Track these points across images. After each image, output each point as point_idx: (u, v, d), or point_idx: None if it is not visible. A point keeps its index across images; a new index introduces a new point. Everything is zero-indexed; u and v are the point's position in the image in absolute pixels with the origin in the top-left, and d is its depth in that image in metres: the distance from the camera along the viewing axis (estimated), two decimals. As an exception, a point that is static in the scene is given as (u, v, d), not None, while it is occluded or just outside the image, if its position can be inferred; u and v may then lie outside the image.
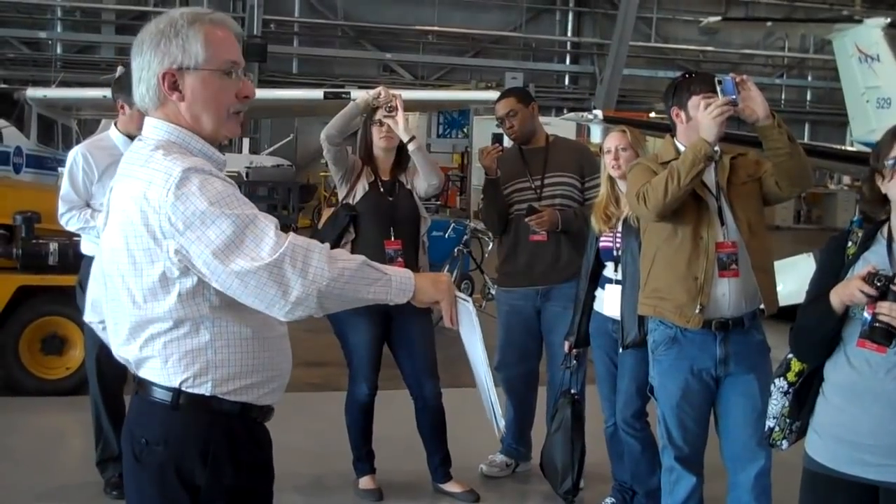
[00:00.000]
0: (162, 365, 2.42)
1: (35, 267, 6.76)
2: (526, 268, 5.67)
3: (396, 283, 2.40)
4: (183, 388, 2.41)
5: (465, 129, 24.72)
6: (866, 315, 2.91)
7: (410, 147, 5.28)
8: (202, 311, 2.38)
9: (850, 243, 3.13)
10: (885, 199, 3.07)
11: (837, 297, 2.96)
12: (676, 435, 4.30)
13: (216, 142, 2.52)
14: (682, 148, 4.27)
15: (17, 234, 6.93)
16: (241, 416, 2.48)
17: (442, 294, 2.48)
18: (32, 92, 14.77)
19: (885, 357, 2.94)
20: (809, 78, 34.73)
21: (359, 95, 5.38)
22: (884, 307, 2.83)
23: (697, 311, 4.15)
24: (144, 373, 2.47)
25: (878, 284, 2.85)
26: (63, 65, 26.34)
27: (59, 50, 28.55)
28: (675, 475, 4.35)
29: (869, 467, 3.00)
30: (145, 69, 2.43)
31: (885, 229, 3.08)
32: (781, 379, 3.30)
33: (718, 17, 27.13)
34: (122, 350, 2.49)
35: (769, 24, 28.85)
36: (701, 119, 4.03)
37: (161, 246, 2.30)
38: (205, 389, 2.41)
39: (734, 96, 3.94)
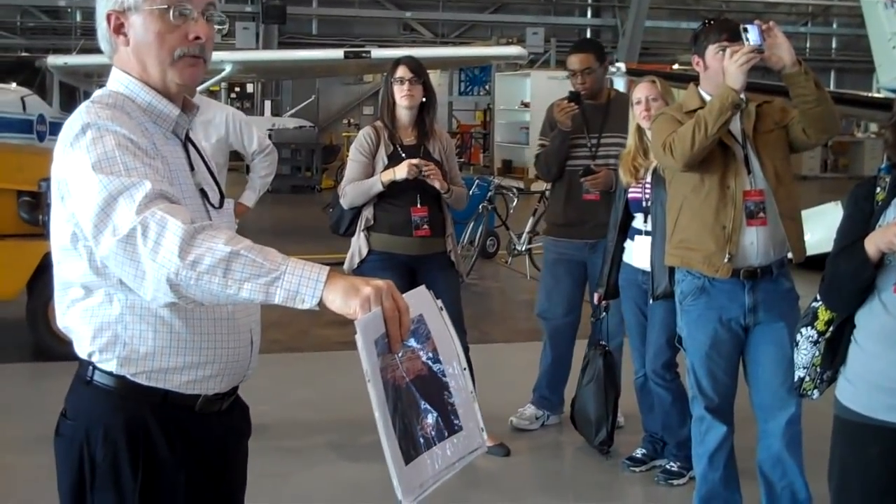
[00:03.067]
0: (77, 335, 2.24)
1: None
2: (577, 221, 5.69)
3: (289, 285, 1.89)
4: (94, 362, 2.22)
5: (486, 86, 24.56)
6: None
7: (444, 196, 5.23)
8: (113, 281, 2.14)
9: (878, 189, 3.08)
10: None
11: (873, 244, 2.91)
12: (706, 385, 4.28)
13: (170, 91, 2.28)
14: (706, 96, 4.23)
15: (43, 201, 6.97)
16: (161, 404, 2.23)
17: (354, 308, 1.87)
18: (53, 59, 14.79)
19: None
20: (834, 25, 34.29)
21: (382, 175, 5.14)
22: None
23: (726, 260, 4.12)
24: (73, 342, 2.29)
25: None
26: (83, 32, 26.30)
27: (78, 17, 28.53)
28: (706, 425, 4.33)
29: None
30: (99, 14, 2.27)
31: None
32: (809, 328, 3.26)
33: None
34: (59, 319, 2.28)
35: (793, -29, 28.50)
36: (727, 66, 3.96)
37: (65, 205, 2.15)
38: (111, 367, 2.20)
39: (760, 44, 3.88)
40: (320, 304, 1.90)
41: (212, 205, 2.33)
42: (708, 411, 4.32)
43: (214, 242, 1.92)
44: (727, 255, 4.12)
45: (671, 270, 4.63)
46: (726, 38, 4.10)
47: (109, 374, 2.21)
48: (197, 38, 2.24)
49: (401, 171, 5.05)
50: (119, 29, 2.25)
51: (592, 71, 5.68)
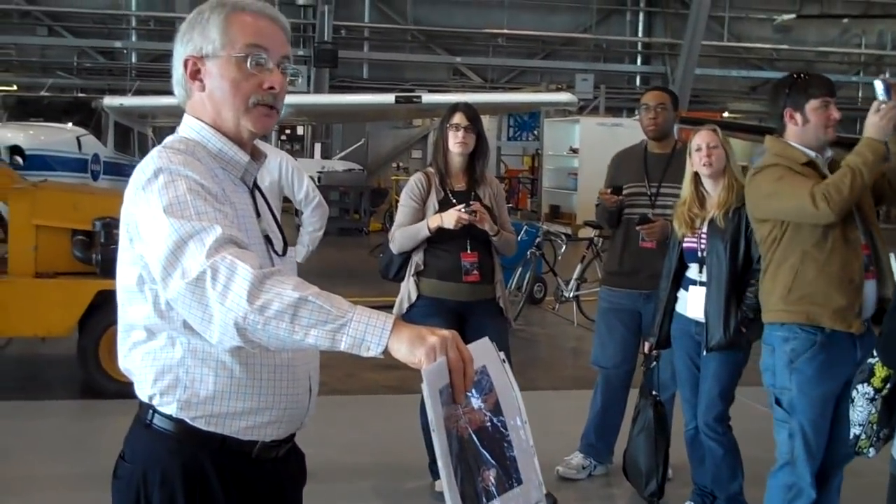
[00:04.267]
0: (139, 377, 2.26)
1: (114, 272, 6.87)
2: (632, 271, 5.69)
3: (355, 332, 1.90)
4: (154, 405, 2.23)
5: (535, 132, 24.64)
6: None
7: (493, 239, 5.24)
8: (176, 325, 2.17)
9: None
10: None
11: None
12: (817, 448, 4.14)
13: (242, 138, 2.32)
14: (807, 151, 4.19)
15: (97, 240, 7.07)
16: (219, 449, 2.23)
17: (420, 357, 1.88)
18: (109, 100, 15.02)
19: None
20: (887, 75, 34.08)
21: (430, 220, 5.17)
22: None
23: (857, 313, 4.06)
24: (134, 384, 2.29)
25: None
26: (138, 73, 26.80)
27: (133, 59, 29.06)
28: (795, 491, 4.20)
29: None
30: (176, 59, 2.30)
31: None
32: (866, 385, 3.22)
33: (793, 15, 26.71)
34: (121, 361, 2.30)
35: (845, 20, 28.37)
36: (873, 121, 3.97)
37: (134, 247, 2.17)
38: (171, 410, 2.21)
39: (889, 98, 3.95)
40: (385, 351, 1.91)
41: (276, 252, 2.34)
42: (813, 477, 4.17)
43: (283, 288, 1.93)
44: (857, 309, 4.06)
45: (727, 321, 4.60)
46: (827, 93, 4.15)
47: (169, 417, 2.22)
48: (271, 87, 2.27)
49: (448, 220, 5.06)
50: (196, 75, 2.28)
51: (666, 108, 5.72)
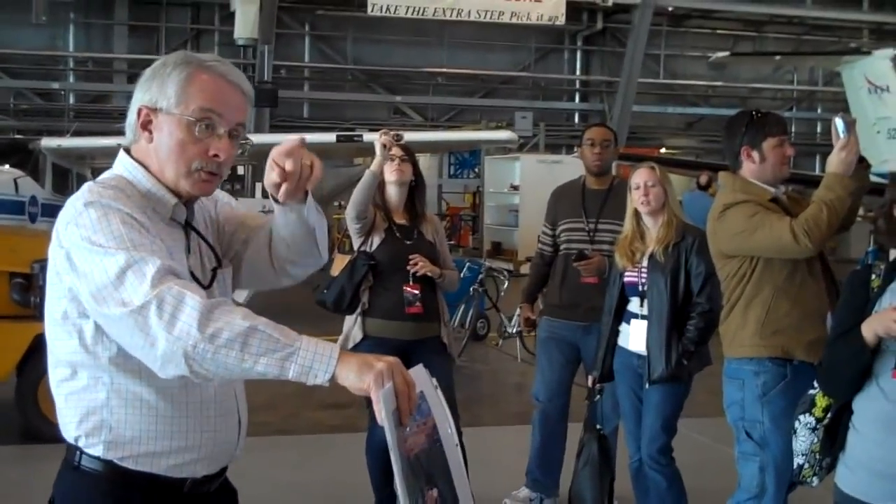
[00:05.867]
0: (64, 419, 2.24)
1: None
2: (571, 305, 5.75)
3: (303, 360, 1.94)
4: (81, 447, 2.22)
5: (476, 169, 24.76)
6: None
7: (438, 282, 5.31)
8: (101, 362, 2.16)
9: (873, 276, 3.12)
10: None
11: (871, 329, 2.94)
12: (787, 482, 4.15)
13: (180, 194, 2.30)
14: (765, 186, 4.28)
15: (35, 283, 6.97)
16: (149, 488, 2.22)
17: (368, 382, 1.92)
18: (47, 142, 14.87)
19: None
20: (819, 110, 34.74)
21: (371, 162, 5.27)
22: None
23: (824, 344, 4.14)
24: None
25: None
26: (76, 114, 26.52)
27: (71, 100, 28.79)
28: None
29: None
30: (133, 103, 2.30)
31: None
32: (808, 415, 3.27)
33: (727, 53, 27.16)
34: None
35: (778, 58, 28.95)
36: (840, 157, 4.02)
37: (62, 280, 2.15)
38: (98, 451, 2.20)
39: (849, 135, 4.03)
40: (332, 380, 1.95)
41: (202, 286, 2.31)
42: None
43: (232, 317, 1.96)
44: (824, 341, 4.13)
45: (668, 354, 4.66)
46: (783, 131, 4.29)
47: (97, 458, 2.21)
48: (216, 155, 2.26)
49: (378, 149, 5.16)
50: (146, 125, 2.28)
51: (610, 145, 5.81)
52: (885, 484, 3.01)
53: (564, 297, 5.77)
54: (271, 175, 2.21)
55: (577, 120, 32.97)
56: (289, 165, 2.18)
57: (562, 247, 5.79)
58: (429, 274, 5.17)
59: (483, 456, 5.38)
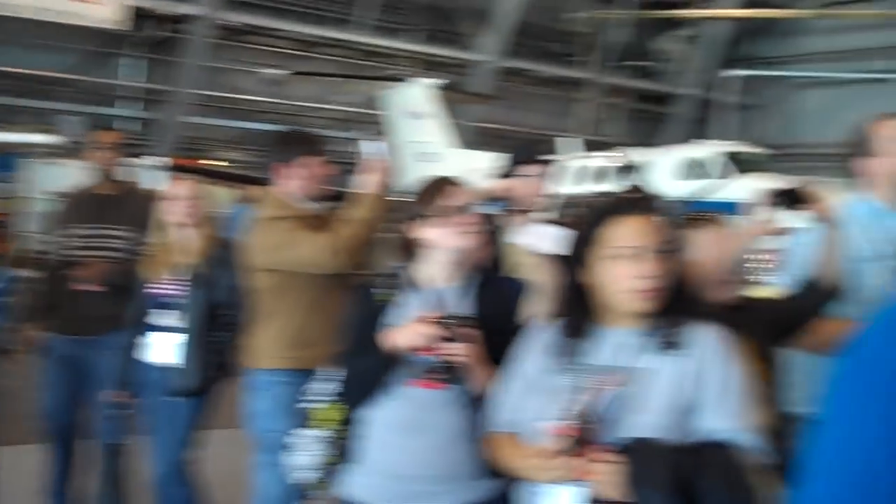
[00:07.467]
0: None
1: None
2: (68, 316, 5.44)
3: None
4: None
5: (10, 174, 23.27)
6: (425, 355, 3.04)
7: None
8: None
9: (378, 290, 3.27)
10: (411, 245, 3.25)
11: (400, 340, 3.06)
12: (298, 492, 4.23)
13: None
14: (299, 202, 4.38)
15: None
16: None
17: None
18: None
19: (439, 392, 3.08)
20: (365, 132, 36.14)
21: None
22: (450, 347, 3.00)
23: None
24: None
25: (451, 324, 3.00)
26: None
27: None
28: None
29: (421, 499, 3.10)
30: None
31: (410, 274, 3.25)
32: (318, 429, 3.34)
33: (286, 71, 27.78)
34: None
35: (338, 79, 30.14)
36: (366, 178, 4.24)
37: None
38: None
39: (377, 158, 4.28)
40: None
41: None
42: None
43: None
44: None
45: (193, 367, 4.67)
46: (316, 149, 4.48)
47: None
48: None
49: None
50: None
51: (119, 148, 5.63)
52: (397, 485, 3.11)
53: (63, 308, 5.47)
54: None
55: (138, 127, 31.92)
56: None
57: (61, 252, 5.49)
58: None
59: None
